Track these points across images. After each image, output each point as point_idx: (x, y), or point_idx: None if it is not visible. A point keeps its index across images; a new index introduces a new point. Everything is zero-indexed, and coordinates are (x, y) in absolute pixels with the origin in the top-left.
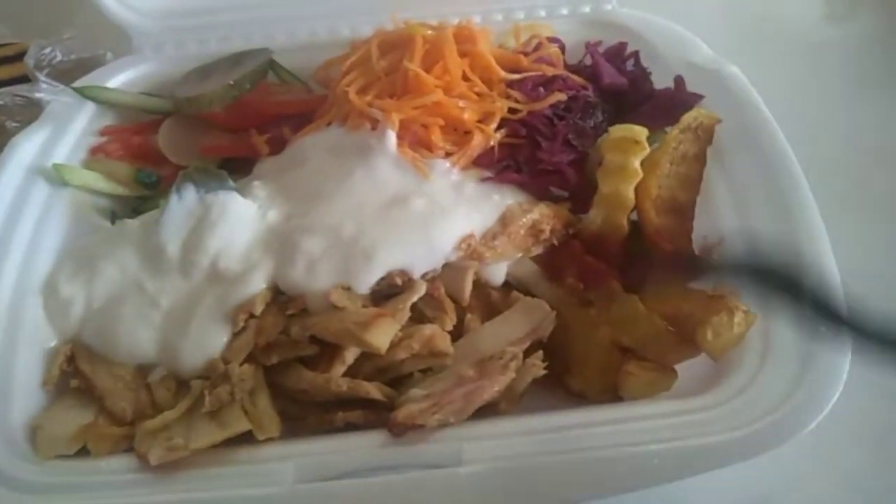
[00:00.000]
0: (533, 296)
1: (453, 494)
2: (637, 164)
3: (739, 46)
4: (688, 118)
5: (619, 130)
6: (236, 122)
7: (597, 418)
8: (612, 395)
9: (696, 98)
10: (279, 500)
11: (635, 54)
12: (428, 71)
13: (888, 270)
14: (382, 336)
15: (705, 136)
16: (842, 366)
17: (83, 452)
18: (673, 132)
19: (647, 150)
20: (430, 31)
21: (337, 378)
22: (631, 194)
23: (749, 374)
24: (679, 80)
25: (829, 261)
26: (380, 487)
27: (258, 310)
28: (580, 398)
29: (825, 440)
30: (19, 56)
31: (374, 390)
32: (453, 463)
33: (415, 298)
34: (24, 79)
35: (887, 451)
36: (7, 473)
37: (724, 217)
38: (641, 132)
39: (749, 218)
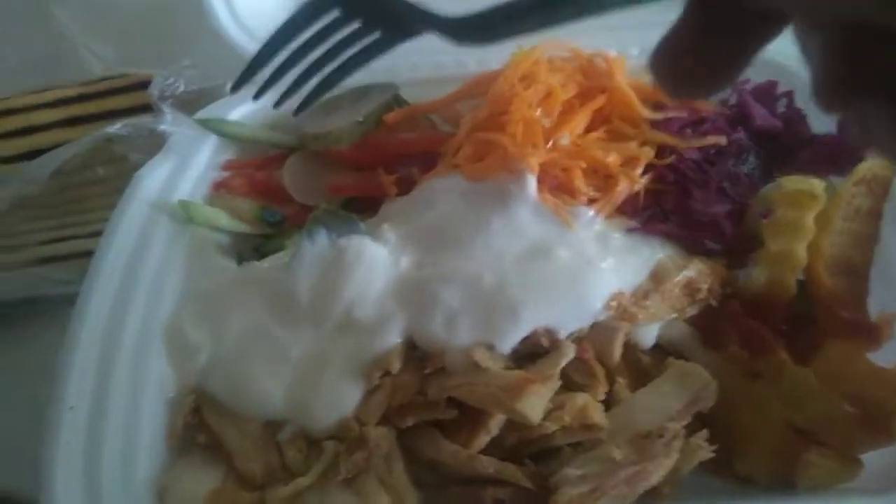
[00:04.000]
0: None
1: None
2: (812, 220)
3: None
4: (862, 169)
5: (793, 182)
6: (362, 159)
7: None
8: (783, 480)
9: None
10: None
11: (789, 94)
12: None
13: None
14: (535, 405)
15: (880, 189)
16: None
17: None
18: (846, 185)
19: (823, 205)
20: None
21: (482, 458)
22: (804, 253)
23: None
24: (843, 125)
25: None
26: None
27: (395, 366)
28: (746, 482)
29: None
30: (137, 86)
31: (522, 478)
32: None
33: (564, 362)
34: (143, 108)
35: None
36: None
37: None
38: (819, 186)
39: None
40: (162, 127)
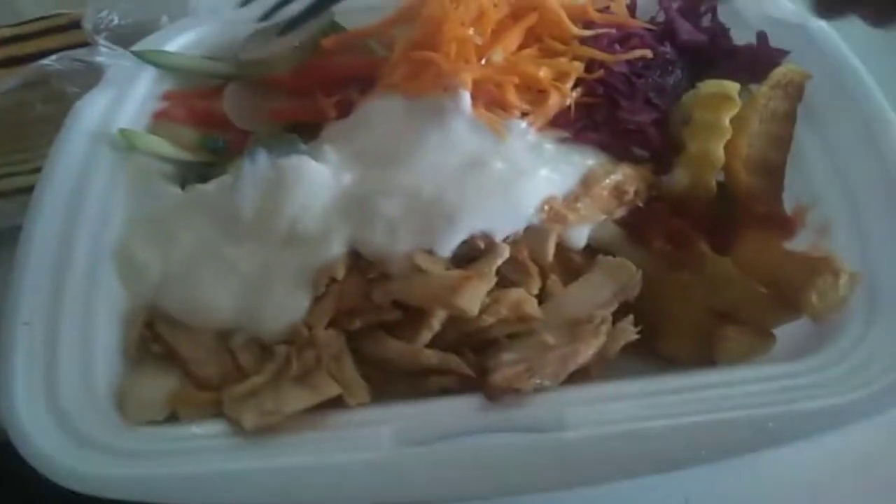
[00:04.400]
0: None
1: (561, 459)
2: (728, 121)
3: None
4: (777, 74)
5: (709, 86)
6: (301, 84)
7: (701, 382)
8: (705, 360)
9: (781, 54)
10: (379, 465)
11: (712, 9)
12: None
13: None
14: (472, 299)
15: (795, 92)
16: None
17: (171, 419)
18: (762, 89)
19: (738, 106)
20: None
21: (426, 351)
22: (721, 153)
23: (856, 337)
24: (762, 36)
25: None
26: (484, 451)
27: (340, 274)
28: (671, 363)
29: None
30: (73, 25)
31: (463, 366)
32: (557, 427)
33: (500, 261)
34: (80, 47)
35: None
36: (101, 441)
37: (817, 178)
38: (733, 88)
39: (846, 178)
40: (98, 59)
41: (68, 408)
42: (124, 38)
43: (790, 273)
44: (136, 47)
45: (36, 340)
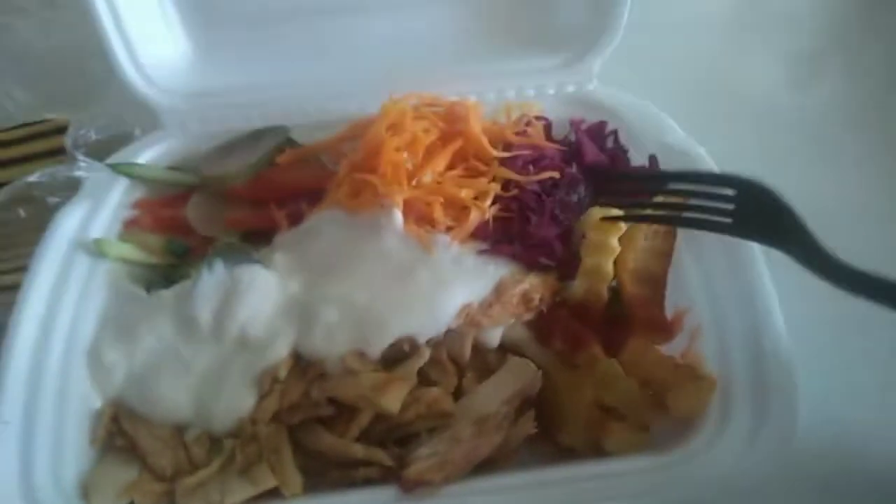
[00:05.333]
0: (525, 357)
1: None
2: (615, 241)
3: (706, 115)
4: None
5: (599, 212)
6: (257, 195)
7: (584, 473)
8: (598, 448)
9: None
10: None
11: (615, 133)
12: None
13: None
14: (394, 399)
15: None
16: (792, 418)
17: None
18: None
19: (624, 229)
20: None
21: (354, 445)
22: (610, 268)
23: (713, 432)
24: (653, 160)
25: (778, 320)
26: None
27: (283, 375)
28: (569, 452)
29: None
30: (56, 131)
31: (386, 458)
32: None
33: (421, 363)
34: (59, 151)
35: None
36: None
37: (692, 286)
38: (618, 214)
39: (713, 289)
40: (77, 173)
41: (41, 499)
42: (102, 150)
43: (661, 376)
44: (111, 160)
45: (13, 439)
